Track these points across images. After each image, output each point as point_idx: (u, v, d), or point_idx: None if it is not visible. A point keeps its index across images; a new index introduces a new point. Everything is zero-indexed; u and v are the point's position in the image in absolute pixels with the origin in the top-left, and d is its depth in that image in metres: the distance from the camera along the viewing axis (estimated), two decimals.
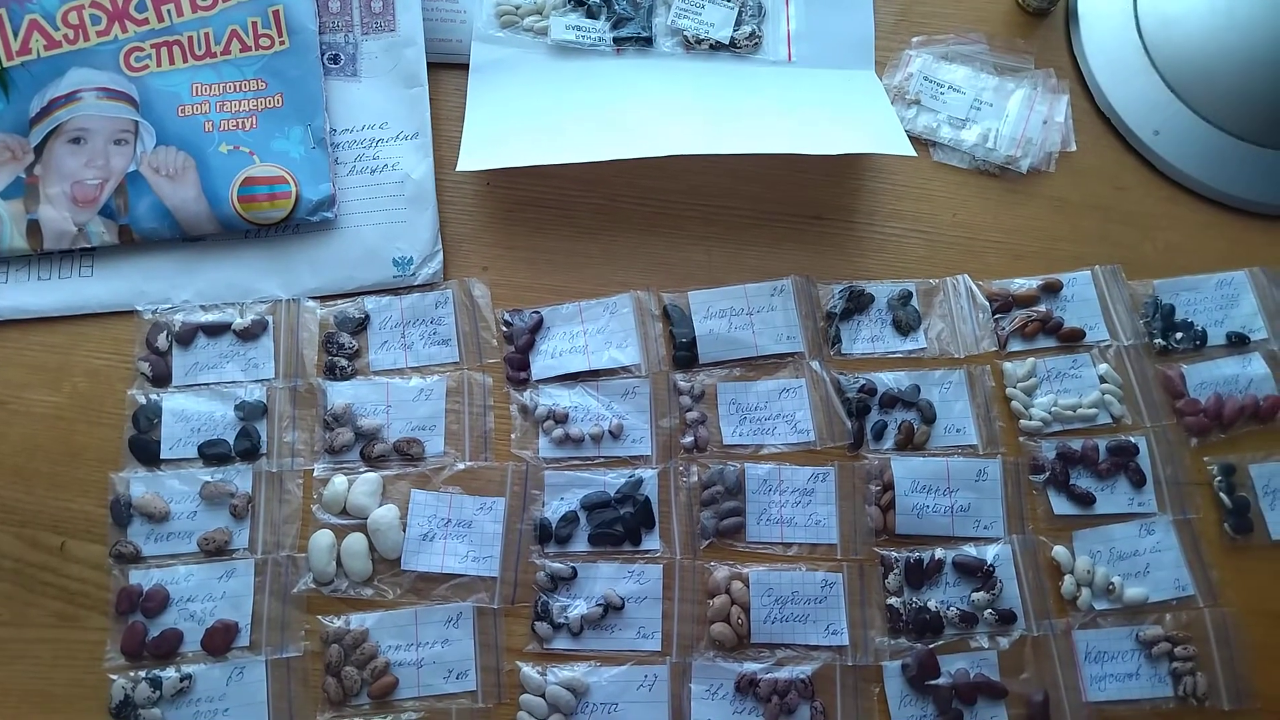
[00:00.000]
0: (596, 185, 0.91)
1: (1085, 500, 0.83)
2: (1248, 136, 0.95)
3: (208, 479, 0.80)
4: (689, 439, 0.84)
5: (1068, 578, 0.81)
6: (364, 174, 0.88)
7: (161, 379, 0.83)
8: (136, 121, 0.86)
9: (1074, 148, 0.95)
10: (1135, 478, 0.84)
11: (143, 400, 0.82)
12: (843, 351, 0.88)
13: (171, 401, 0.82)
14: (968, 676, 0.78)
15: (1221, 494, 0.84)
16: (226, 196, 0.85)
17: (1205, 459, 0.85)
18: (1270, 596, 0.81)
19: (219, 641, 0.76)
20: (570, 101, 0.89)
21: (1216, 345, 0.89)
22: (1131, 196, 0.94)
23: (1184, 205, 0.94)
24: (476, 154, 0.84)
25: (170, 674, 0.75)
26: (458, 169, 0.83)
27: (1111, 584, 0.80)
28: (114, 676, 0.75)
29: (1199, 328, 0.89)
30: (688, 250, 0.90)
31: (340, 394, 0.83)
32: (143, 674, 0.75)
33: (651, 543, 0.81)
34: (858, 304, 0.89)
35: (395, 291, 0.86)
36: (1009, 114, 0.95)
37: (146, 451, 0.81)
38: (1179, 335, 0.88)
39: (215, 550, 0.79)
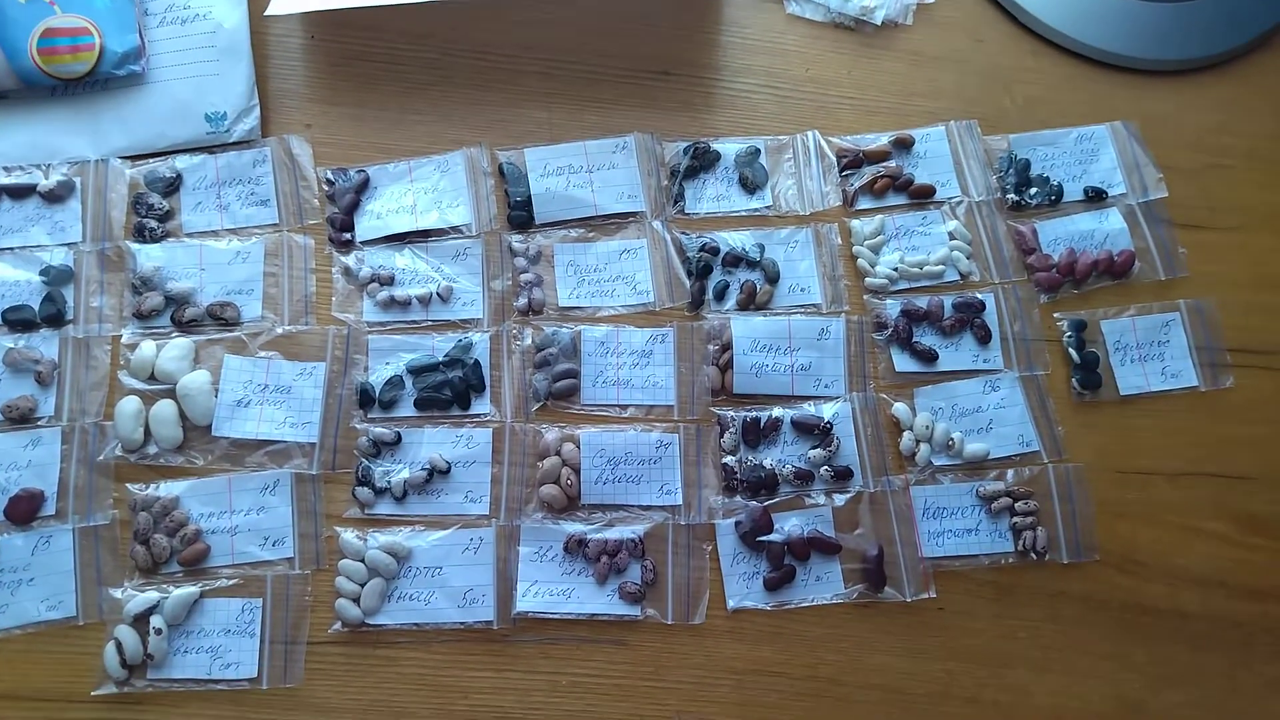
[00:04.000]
0: (428, 38, 0.86)
1: (927, 357, 0.81)
2: None
3: (11, 345, 0.77)
4: (522, 301, 0.81)
5: (906, 434, 0.79)
6: (174, 25, 0.83)
7: None
8: None
9: None
10: (981, 334, 0.81)
11: None
12: (686, 210, 0.84)
13: None
14: (801, 532, 0.76)
15: (1070, 350, 0.82)
16: (25, 49, 0.80)
17: (1055, 315, 0.83)
18: (1115, 452, 0.80)
19: (23, 510, 0.73)
20: None
21: (1074, 200, 0.87)
22: (991, 50, 0.91)
23: (1046, 58, 0.91)
24: None
25: None
26: (267, 13, 0.79)
27: (951, 439, 0.78)
28: None
29: (1055, 183, 0.87)
30: (526, 107, 0.86)
31: (150, 257, 0.79)
32: None
33: (481, 407, 0.78)
34: (703, 161, 0.85)
35: (210, 150, 0.82)
36: None
37: None
38: (1033, 190, 0.86)
39: (19, 418, 0.75)
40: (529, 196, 0.83)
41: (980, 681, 0.74)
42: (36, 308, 0.78)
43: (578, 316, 0.81)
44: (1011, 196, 0.85)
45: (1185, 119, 0.90)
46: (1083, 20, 0.90)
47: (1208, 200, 0.87)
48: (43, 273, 0.78)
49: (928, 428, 0.78)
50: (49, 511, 0.74)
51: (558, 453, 0.77)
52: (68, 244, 0.80)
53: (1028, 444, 0.79)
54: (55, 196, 0.80)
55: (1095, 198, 0.86)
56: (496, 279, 0.81)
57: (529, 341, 0.79)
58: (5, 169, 0.81)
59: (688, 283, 0.81)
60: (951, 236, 0.84)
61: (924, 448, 0.78)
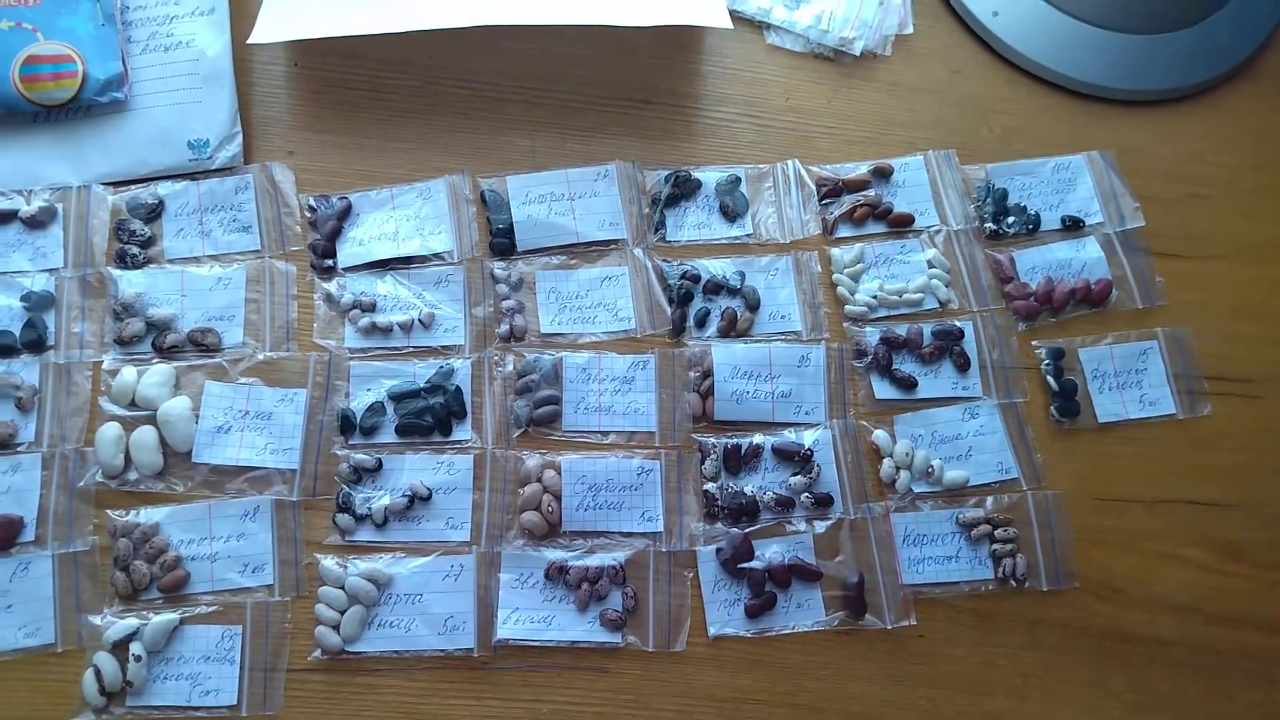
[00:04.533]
0: (412, 67, 0.87)
1: (907, 384, 0.81)
2: (1087, 18, 0.93)
3: None
4: (504, 328, 0.81)
5: (886, 460, 0.79)
6: (157, 52, 0.84)
7: None
8: None
9: (911, 30, 0.93)
10: (960, 362, 0.82)
11: None
12: (668, 238, 0.85)
13: None
14: (782, 559, 0.76)
15: (1049, 377, 0.82)
16: (7, 75, 0.80)
17: (1034, 343, 0.84)
18: (1093, 479, 0.81)
19: (2, 536, 0.73)
20: None
21: (1051, 229, 0.88)
22: (968, 80, 0.92)
23: (1022, 88, 0.92)
24: (273, 25, 0.80)
25: None
26: (249, 41, 0.79)
27: (931, 466, 0.79)
28: None
29: (1033, 212, 0.87)
30: (509, 135, 0.87)
31: (131, 283, 0.79)
32: None
33: (463, 433, 0.78)
34: (684, 189, 0.86)
35: (192, 176, 0.82)
36: None
37: None
38: (1010, 219, 0.87)
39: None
40: (511, 224, 0.83)
41: (960, 709, 0.74)
42: (17, 333, 0.78)
43: (559, 343, 0.81)
44: (989, 225, 0.86)
45: (1162, 149, 0.91)
46: (1059, 51, 0.92)
47: (1185, 229, 0.88)
48: (24, 298, 0.78)
49: (907, 455, 0.79)
50: (28, 538, 0.73)
51: (539, 479, 0.77)
52: (49, 270, 0.80)
53: (1007, 471, 0.80)
54: (37, 222, 0.80)
55: (1073, 227, 0.87)
56: (478, 306, 0.81)
57: (510, 368, 0.80)
58: None
59: (669, 310, 0.82)
60: (930, 265, 0.85)
61: (904, 475, 0.79)
